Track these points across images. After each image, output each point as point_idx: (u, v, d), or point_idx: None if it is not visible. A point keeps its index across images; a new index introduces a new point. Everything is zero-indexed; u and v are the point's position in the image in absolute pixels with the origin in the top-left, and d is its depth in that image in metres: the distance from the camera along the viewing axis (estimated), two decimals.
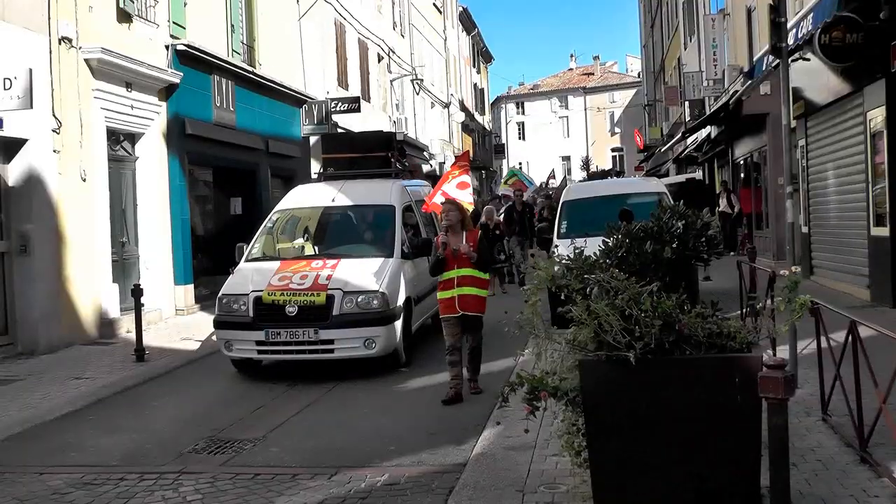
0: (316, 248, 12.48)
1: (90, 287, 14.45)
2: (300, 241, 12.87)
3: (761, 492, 5.07)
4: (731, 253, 23.44)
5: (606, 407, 5.16)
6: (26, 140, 13.20)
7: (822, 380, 7.13)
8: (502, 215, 22.00)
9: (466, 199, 11.81)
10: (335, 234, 13.04)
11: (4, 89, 11.80)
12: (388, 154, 14.39)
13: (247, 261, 12.01)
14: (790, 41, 15.11)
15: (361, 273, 11.00)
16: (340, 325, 10.47)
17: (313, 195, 13.42)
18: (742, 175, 26.96)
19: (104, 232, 15.10)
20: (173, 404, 9.97)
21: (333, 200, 12.74)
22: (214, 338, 11.83)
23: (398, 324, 10.93)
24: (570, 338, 5.51)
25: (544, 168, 68.25)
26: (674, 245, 7.14)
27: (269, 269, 11.25)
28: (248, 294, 10.80)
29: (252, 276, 11.31)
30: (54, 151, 13.69)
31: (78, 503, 6.61)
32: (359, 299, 10.60)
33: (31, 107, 12.12)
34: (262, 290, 10.70)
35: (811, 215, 17.52)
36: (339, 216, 13.13)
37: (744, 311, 10.26)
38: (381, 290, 10.73)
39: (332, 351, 10.53)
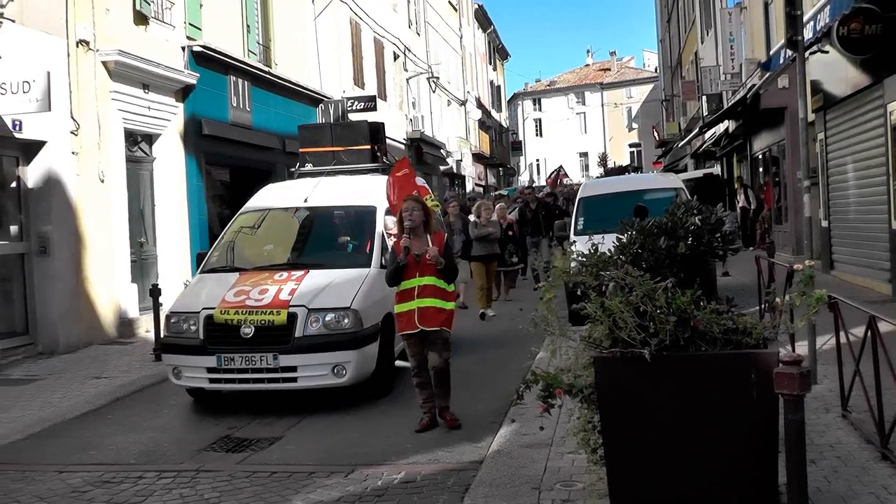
0: (286, 257, 10.80)
1: (109, 287, 14.54)
2: (269, 247, 11.34)
3: (779, 489, 5.05)
4: (751, 248, 23.35)
5: (622, 404, 5.14)
6: (45, 142, 13.30)
7: (842, 375, 7.09)
8: (513, 214, 20.58)
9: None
10: (306, 240, 11.34)
11: (23, 92, 11.88)
12: (373, 147, 12.87)
13: (203, 272, 10.53)
14: (808, 34, 15.04)
15: (331, 287, 9.40)
16: (304, 349, 8.90)
17: (284, 195, 11.83)
18: (761, 169, 26.84)
19: (122, 232, 15.18)
20: (190, 403, 9.97)
21: (306, 201, 11.08)
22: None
23: (374, 346, 9.38)
24: (584, 335, 5.50)
25: (560, 163, 68.11)
26: (688, 241, 7.11)
27: (226, 283, 9.70)
28: (198, 312, 9.26)
29: (205, 290, 9.81)
30: (72, 153, 13.78)
31: (97, 501, 6.65)
32: (326, 318, 9.03)
33: (50, 109, 12.21)
34: (214, 308, 9.17)
35: (831, 209, 17.41)
36: (311, 219, 11.44)
37: (762, 306, 10.21)
38: (352, 306, 9.12)
39: (294, 380, 8.94)
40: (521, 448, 6.93)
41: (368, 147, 12.79)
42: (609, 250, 6.59)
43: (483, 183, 55.54)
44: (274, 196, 11.83)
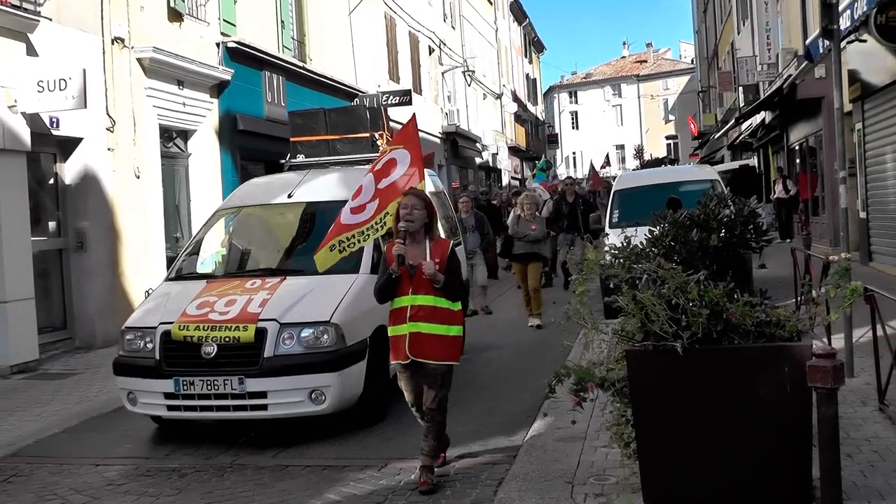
0: (262, 262, 9.60)
1: (145, 282, 14.63)
2: (244, 250, 10.06)
3: (814, 483, 4.99)
4: (788, 240, 23.10)
5: (654, 397, 5.11)
6: (81, 139, 13.49)
7: (879, 368, 7.00)
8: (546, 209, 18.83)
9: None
10: (287, 241, 9.85)
11: (60, 90, 12.03)
12: (372, 135, 11.42)
13: (169, 279, 9.32)
14: (846, 22, 14.82)
15: (309, 296, 8.07)
16: (275, 371, 7.57)
17: (266, 190, 10.48)
18: (798, 160, 26.56)
19: (158, 228, 15.33)
20: None
21: (290, 196, 9.70)
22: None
23: (360, 367, 7.98)
24: (617, 328, 5.47)
25: (598, 157, 67.83)
26: (721, 233, 7.05)
27: (191, 292, 8.37)
28: (155, 328, 7.96)
29: (167, 301, 8.46)
30: (108, 149, 13.94)
31: (132, 493, 6.73)
32: (302, 334, 7.71)
33: (86, 106, 12.35)
34: (173, 322, 7.91)
35: (869, 200, 17.19)
36: (294, 217, 9.84)
37: (798, 299, 10.10)
38: (332, 320, 7.78)
39: (264, 407, 7.65)
40: (554, 442, 6.91)
41: (367, 135, 11.40)
42: (641, 243, 6.54)
43: (519, 176, 55.46)
44: (255, 192, 10.53)
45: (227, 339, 7.62)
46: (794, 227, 25.01)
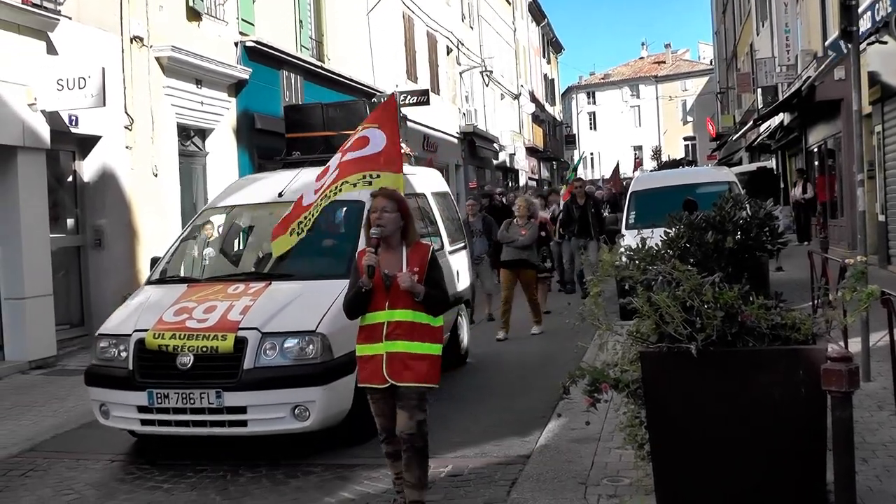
0: (247, 265, 9.06)
1: None
2: (230, 252, 9.59)
3: (828, 487, 4.97)
4: (806, 243, 22.98)
5: (668, 399, 5.09)
6: (100, 137, 13.58)
7: None
8: (553, 212, 18.38)
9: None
10: None
11: (79, 88, 12.12)
12: None
13: (150, 282, 8.76)
14: (867, 24, 14.74)
15: (295, 303, 7.50)
16: (255, 384, 6.99)
17: (257, 188, 9.79)
18: (816, 163, 26.42)
19: (175, 226, 15.35)
20: None
21: (280, 195, 8.89)
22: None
23: (349, 380, 7.18)
24: (632, 329, 5.46)
25: (616, 158, 67.68)
26: (736, 235, 7.02)
27: (169, 298, 7.85)
28: (129, 335, 7.44)
29: (144, 306, 7.94)
30: (126, 148, 14.03)
31: (147, 489, 6.78)
32: (285, 345, 7.13)
33: (105, 105, 12.42)
34: (147, 330, 7.37)
35: (888, 203, 17.09)
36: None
37: (815, 302, 10.05)
38: (318, 329, 7.17)
39: (244, 423, 7.11)
40: (568, 443, 6.91)
41: None
42: (657, 244, 6.52)
43: (536, 177, 55.43)
44: (244, 190, 9.93)
45: (204, 349, 7.09)
46: (812, 229, 24.88)
